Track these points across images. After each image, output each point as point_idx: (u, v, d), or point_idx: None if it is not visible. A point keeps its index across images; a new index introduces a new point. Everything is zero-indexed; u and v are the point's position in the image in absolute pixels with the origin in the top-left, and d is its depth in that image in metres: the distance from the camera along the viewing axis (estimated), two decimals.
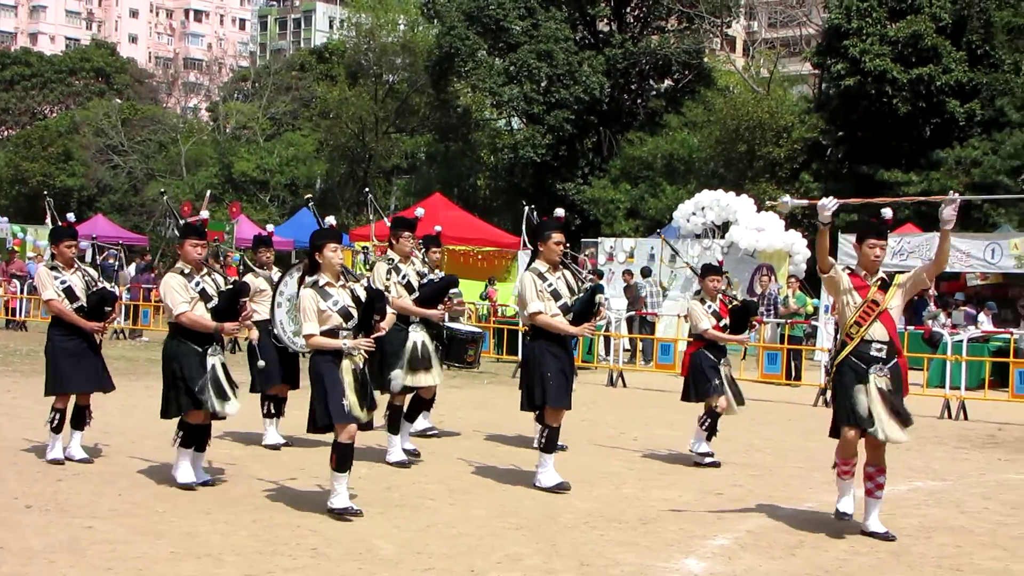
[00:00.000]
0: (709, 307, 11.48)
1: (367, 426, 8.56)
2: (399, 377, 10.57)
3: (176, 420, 9.37)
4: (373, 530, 8.00)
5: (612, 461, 11.35)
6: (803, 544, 8.05)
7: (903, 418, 8.10)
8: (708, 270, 11.76)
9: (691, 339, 11.75)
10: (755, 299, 23.81)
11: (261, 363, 10.22)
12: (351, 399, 8.25)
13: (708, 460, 11.22)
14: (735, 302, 11.76)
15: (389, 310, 9.61)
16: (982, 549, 8.11)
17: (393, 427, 10.76)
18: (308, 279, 8.58)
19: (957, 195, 8.21)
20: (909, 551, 7.93)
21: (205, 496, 8.98)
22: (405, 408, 10.96)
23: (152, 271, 29.49)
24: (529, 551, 7.58)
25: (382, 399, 10.67)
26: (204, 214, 10.70)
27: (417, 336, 10.72)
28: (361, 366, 8.42)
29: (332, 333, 8.37)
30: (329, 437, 8.48)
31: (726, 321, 11.47)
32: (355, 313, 8.45)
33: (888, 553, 7.84)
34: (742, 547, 7.90)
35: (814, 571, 7.33)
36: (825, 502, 9.43)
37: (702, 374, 11.28)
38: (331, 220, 9.63)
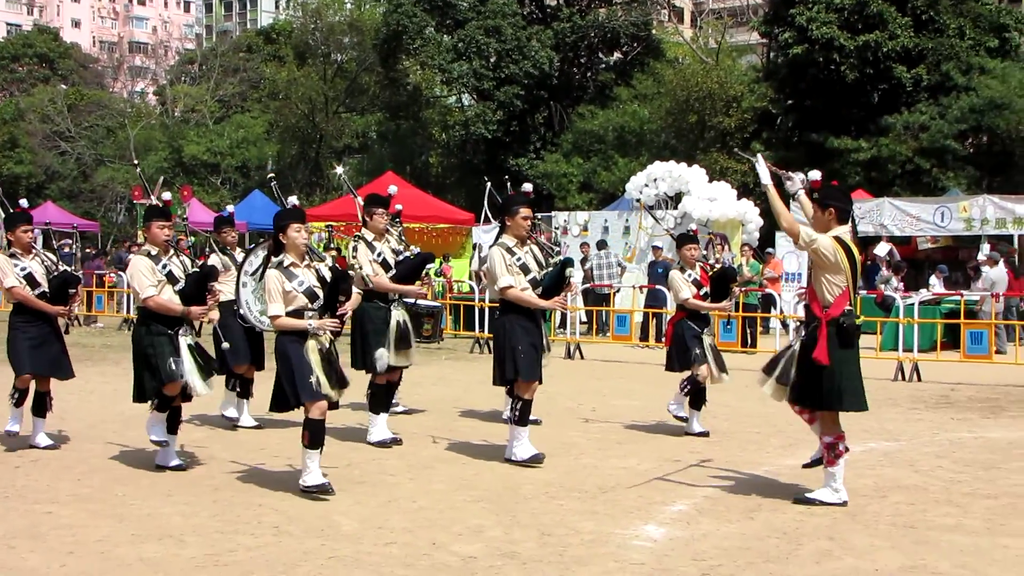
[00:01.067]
0: (689, 275, 11.45)
1: (334, 405, 8.50)
2: (384, 356, 10.45)
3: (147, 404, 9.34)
4: (335, 507, 8.02)
5: (570, 432, 11.43)
6: (760, 507, 8.15)
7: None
8: (684, 239, 11.70)
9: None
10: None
11: (226, 345, 10.16)
12: (323, 380, 8.21)
13: (697, 430, 11.23)
14: (714, 269, 11.72)
15: (355, 290, 9.58)
16: (935, 506, 8.24)
17: (376, 407, 10.67)
18: (273, 259, 8.53)
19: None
20: (864, 510, 8.05)
21: (165, 479, 8.96)
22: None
23: (104, 257, 29.24)
24: (490, 523, 7.63)
25: (360, 379, 10.70)
26: (166, 195, 10.62)
27: (399, 315, 10.62)
28: (327, 346, 8.39)
29: (297, 314, 8.33)
30: (292, 417, 8.50)
31: (707, 289, 11.45)
32: (320, 293, 8.42)
33: (843, 514, 7.96)
34: (700, 512, 8.00)
35: (771, 533, 7.43)
36: (782, 466, 9.57)
37: (684, 344, 11.27)
38: (294, 200, 9.59)
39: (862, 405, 8.25)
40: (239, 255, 11.64)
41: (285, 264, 8.40)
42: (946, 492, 8.73)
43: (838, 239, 8.16)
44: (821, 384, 8.10)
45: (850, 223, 8.41)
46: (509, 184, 11.20)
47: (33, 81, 68.31)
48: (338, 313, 8.51)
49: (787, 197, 8.88)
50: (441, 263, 27.29)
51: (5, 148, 57.31)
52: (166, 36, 75.95)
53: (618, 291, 23.05)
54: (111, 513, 7.80)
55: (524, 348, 9.50)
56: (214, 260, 11.55)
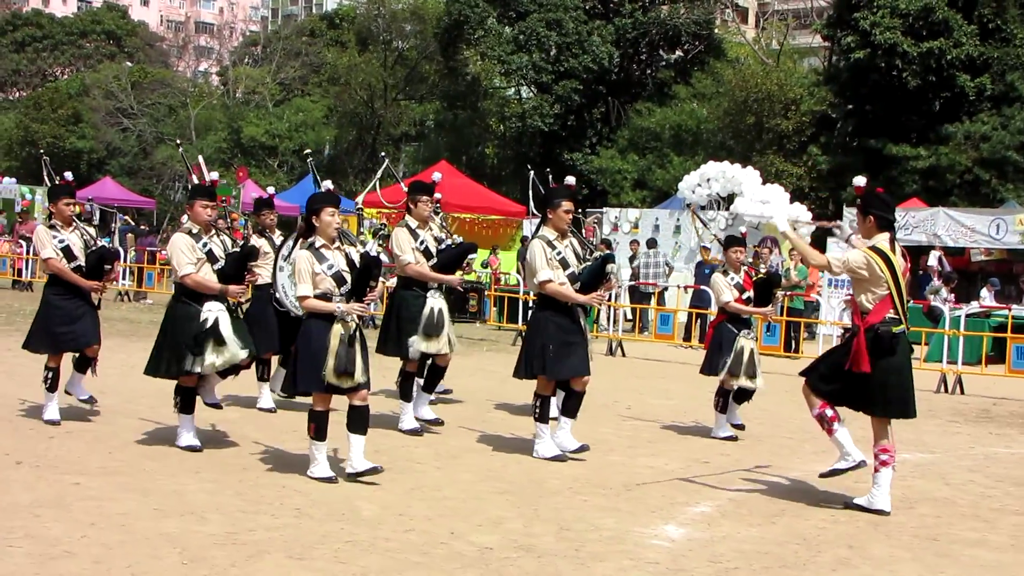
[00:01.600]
0: (732, 279, 11.35)
1: (365, 385, 8.40)
2: (415, 343, 10.47)
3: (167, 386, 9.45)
4: (358, 492, 8.08)
5: (602, 428, 11.42)
6: (784, 512, 8.12)
7: None
8: (731, 241, 11.63)
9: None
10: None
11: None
12: (329, 366, 8.15)
13: (726, 434, 11.16)
14: (759, 274, 11.64)
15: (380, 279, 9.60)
16: (961, 520, 8.17)
17: (405, 395, 10.68)
18: (304, 241, 8.57)
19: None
20: (888, 521, 7.98)
21: (194, 456, 9.05)
22: (421, 377, 10.91)
23: (158, 234, 29.56)
24: (511, 515, 7.65)
25: (392, 365, 10.74)
26: (214, 175, 10.70)
27: (435, 303, 10.57)
28: (352, 331, 8.34)
29: (325, 297, 8.35)
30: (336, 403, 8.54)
31: (750, 293, 11.37)
32: (348, 278, 8.42)
33: (867, 523, 7.90)
34: (723, 514, 7.97)
35: (792, 539, 7.39)
36: (812, 472, 9.49)
37: (719, 348, 11.21)
38: (328, 184, 9.62)
39: (901, 413, 8.24)
40: (278, 238, 11.68)
41: (316, 246, 8.42)
42: (974, 506, 8.64)
43: (873, 248, 8.11)
44: (855, 388, 8.10)
45: (891, 231, 8.36)
46: (551, 177, 11.13)
47: (99, 58, 69.24)
48: (366, 299, 8.48)
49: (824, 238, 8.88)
50: (489, 254, 27.35)
51: (69, 123, 58.07)
52: (232, 17, 76.51)
53: (664, 290, 23.00)
54: (137, 487, 7.89)
55: (554, 346, 9.46)
56: (253, 241, 11.59)
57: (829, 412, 8.30)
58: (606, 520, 7.62)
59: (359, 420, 8.39)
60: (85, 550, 6.37)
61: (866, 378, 8.06)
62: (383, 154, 14.08)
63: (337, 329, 8.26)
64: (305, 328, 8.41)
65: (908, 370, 8.28)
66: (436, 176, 11.97)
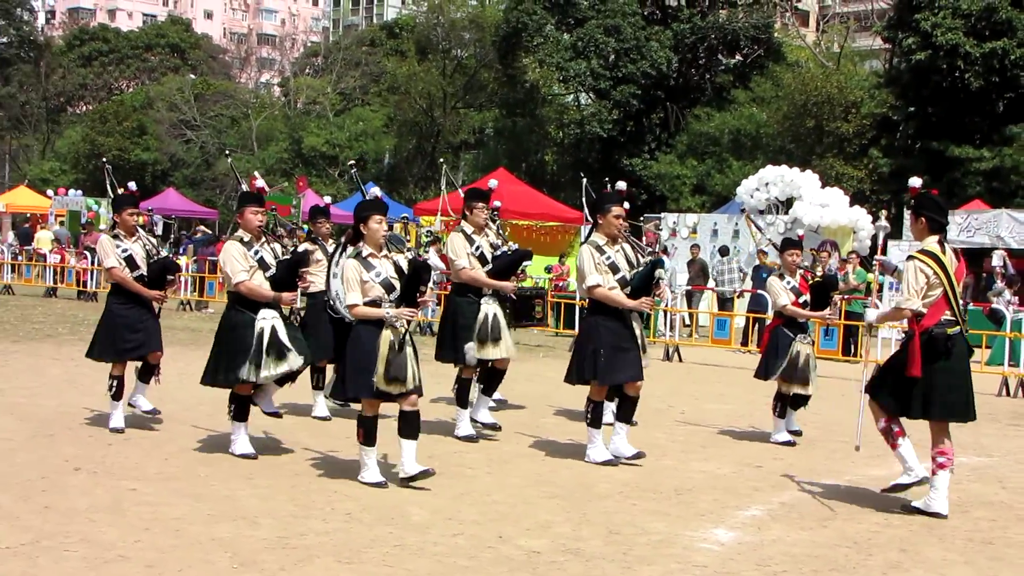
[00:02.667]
0: (788, 283, 11.28)
1: (417, 391, 8.41)
2: (472, 349, 10.49)
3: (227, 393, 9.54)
4: (408, 496, 8.13)
5: (656, 433, 11.40)
6: (836, 516, 8.07)
7: None
8: (788, 244, 11.60)
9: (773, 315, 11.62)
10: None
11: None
12: (379, 373, 8.19)
13: (781, 439, 11.08)
14: (816, 278, 11.55)
15: (431, 282, 9.65)
16: (1017, 524, 8.07)
17: (462, 401, 10.70)
18: (351, 249, 8.64)
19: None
20: (942, 525, 7.91)
21: (247, 462, 9.16)
22: (480, 382, 10.92)
23: (219, 243, 29.86)
24: (560, 519, 7.67)
25: (449, 372, 10.79)
26: (260, 182, 10.81)
27: (489, 308, 10.60)
28: (403, 337, 8.36)
29: (374, 304, 8.39)
30: (384, 408, 8.61)
31: (806, 297, 11.29)
32: (397, 284, 8.45)
33: (920, 526, 7.84)
34: (773, 518, 7.94)
35: (842, 542, 7.35)
36: (866, 476, 9.44)
37: (775, 352, 11.15)
38: (375, 190, 9.66)
39: (959, 415, 8.17)
40: (331, 246, 11.76)
41: (364, 255, 8.46)
42: None
43: (923, 251, 8.07)
44: (912, 393, 8.06)
45: (942, 233, 8.30)
46: (609, 184, 11.12)
47: (164, 70, 70.21)
48: (418, 302, 8.52)
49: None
50: (557, 261, 27.33)
51: (134, 135, 58.93)
52: (293, 29, 77.30)
53: (741, 295, 22.91)
54: (191, 492, 8.00)
55: (605, 351, 9.45)
56: (304, 248, 11.70)
57: (895, 427, 8.22)
58: (655, 524, 7.62)
59: (410, 425, 8.41)
60: (139, 554, 6.47)
61: (922, 381, 8.01)
62: (441, 161, 14.15)
63: (387, 335, 8.28)
64: (354, 334, 8.46)
65: (966, 372, 8.20)
66: (492, 183, 11.99)
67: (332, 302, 11.20)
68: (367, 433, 8.45)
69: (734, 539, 7.35)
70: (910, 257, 8.21)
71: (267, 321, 9.31)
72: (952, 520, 8.06)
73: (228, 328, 9.39)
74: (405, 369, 8.25)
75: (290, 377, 9.52)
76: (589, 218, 12.24)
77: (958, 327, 8.13)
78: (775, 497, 8.63)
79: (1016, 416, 13.81)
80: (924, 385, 8.02)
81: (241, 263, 9.32)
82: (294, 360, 9.32)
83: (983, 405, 14.20)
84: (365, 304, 8.38)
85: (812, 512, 8.17)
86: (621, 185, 10.67)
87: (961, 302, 8.27)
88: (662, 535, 7.35)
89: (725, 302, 22.82)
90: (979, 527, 7.92)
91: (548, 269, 26.79)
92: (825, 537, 7.48)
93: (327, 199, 14.23)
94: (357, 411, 11.02)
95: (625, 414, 9.91)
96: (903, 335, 8.77)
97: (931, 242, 8.16)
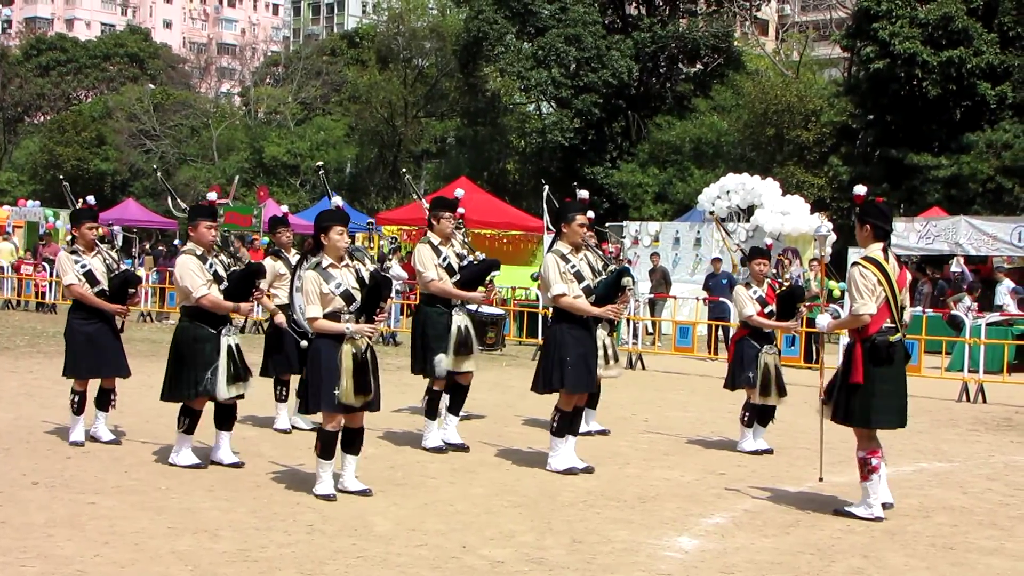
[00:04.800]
0: (755, 292, 11.18)
1: (372, 406, 8.38)
2: (443, 361, 10.37)
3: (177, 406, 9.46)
4: (371, 507, 8.08)
5: (619, 442, 11.40)
6: (799, 523, 8.08)
7: None
8: (755, 253, 11.46)
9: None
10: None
11: (304, 343, 9.88)
12: (344, 386, 8.11)
13: (749, 448, 11.04)
14: (783, 287, 11.51)
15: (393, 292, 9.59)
16: (979, 528, 8.11)
17: (431, 412, 10.58)
18: (311, 260, 8.48)
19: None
20: (905, 530, 7.95)
21: (208, 475, 9.08)
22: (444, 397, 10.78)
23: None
24: (523, 528, 7.64)
25: (412, 382, 10.71)
26: (212, 195, 10.71)
27: (460, 320, 10.50)
28: (363, 350, 8.25)
29: (334, 316, 8.28)
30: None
31: (772, 307, 11.20)
32: (358, 296, 8.35)
33: (882, 532, 7.87)
34: (737, 526, 7.94)
35: (806, 549, 7.36)
36: (828, 483, 9.45)
37: (741, 363, 11.12)
38: (337, 200, 9.57)
39: (894, 422, 8.26)
40: (294, 257, 11.64)
41: (323, 265, 8.35)
42: (992, 515, 8.58)
43: (866, 259, 8.14)
44: (852, 400, 8.12)
45: (886, 240, 8.37)
46: (578, 191, 11.04)
47: (123, 80, 69.76)
48: (377, 319, 8.44)
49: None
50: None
51: (92, 145, 58.53)
52: (253, 38, 77.07)
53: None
54: (151, 506, 7.92)
55: (573, 359, 9.44)
56: (267, 262, 11.60)
57: (875, 461, 8.20)
58: (619, 532, 7.61)
59: (356, 440, 8.48)
60: (97, 569, 6.40)
61: (864, 389, 8.08)
62: (404, 171, 14.08)
63: (348, 349, 8.20)
64: (314, 348, 8.37)
65: (903, 379, 8.30)
66: (459, 192, 11.87)
67: (295, 315, 11.12)
68: (325, 447, 8.31)
69: (698, 547, 7.35)
70: (854, 264, 8.28)
71: (231, 339, 9.27)
72: (914, 525, 8.10)
73: (188, 342, 9.28)
74: (369, 383, 8.22)
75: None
76: (551, 227, 12.17)
77: (899, 334, 8.21)
78: (738, 504, 8.64)
79: (977, 421, 13.90)
80: (865, 392, 8.09)
81: (200, 276, 9.24)
82: (245, 388, 9.34)
83: (944, 411, 14.44)
84: (325, 316, 8.28)
85: (775, 519, 8.18)
86: (583, 194, 10.59)
87: (902, 308, 8.33)
88: (626, 543, 7.34)
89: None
90: (941, 532, 7.95)
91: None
92: (788, 544, 7.49)
93: (284, 208, 14.10)
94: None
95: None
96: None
97: (875, 249, 8.23)
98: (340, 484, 8.43)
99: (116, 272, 10.37)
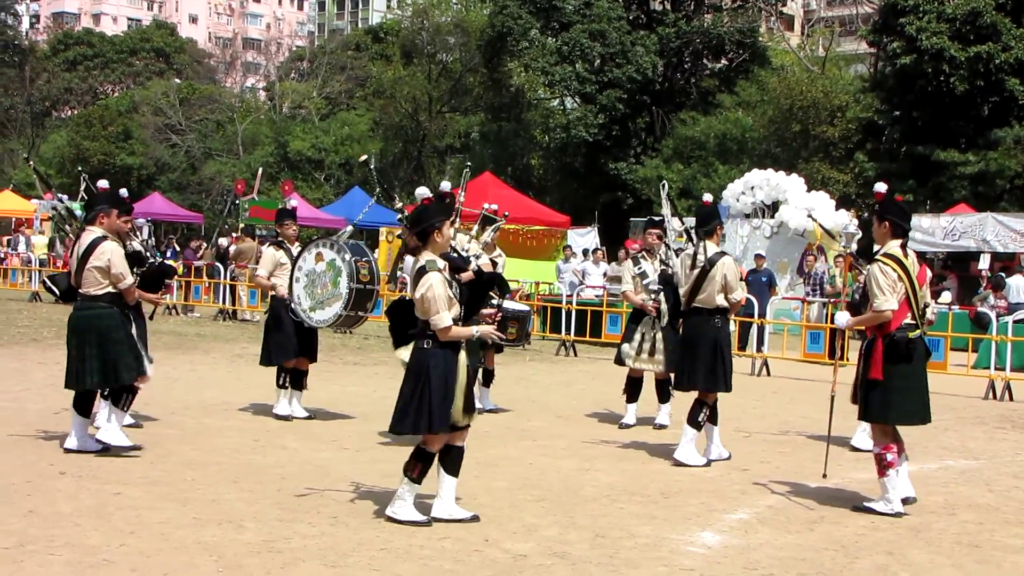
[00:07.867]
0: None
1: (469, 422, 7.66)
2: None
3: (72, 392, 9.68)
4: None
5: (643, 437, 11.38)
6: (823, 519, 8.06)
7: None
8: (648, 225, 12.30)
9: None
10: (802, 278, 23.68)
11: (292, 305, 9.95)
12: (457, 404, 7.32)
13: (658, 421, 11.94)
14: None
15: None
16: (1004, 527, 8.07)
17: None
18: (425, 260, 7.30)
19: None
20: (930, 527, 7.92)
21: (233, 465, 9.12)
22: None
23: (200, 249, 29.79)
24: (546, 522, 7.65)
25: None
26: (124, 192, 11.16)
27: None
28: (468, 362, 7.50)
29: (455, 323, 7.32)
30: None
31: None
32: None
33: (907, 529, 7.84)
34: (761, 521, 7.93)
35: (829, 545, 7.34)
36: (852, 479, 9.44)
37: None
38: (446, 184, 9.27)
39: (914, 419, 8.26)
40: (296, 249, 11.65)
41: (441, 267, 7.31)
42: (1018, 513, 8.53)
43: (886, 255, 8.11)
44: (871, 396, 8.15)
45: (904, 237, 8.35)
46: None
47: (149, 75, 70.06)
48: (491, 318, 8.07)
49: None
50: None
51: (119, 139, 58.74)
52: (278, 33, 77.21)
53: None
54: (177, 496, 7.96)
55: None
56: (270, 251, 11.76)
57: (890, 456, 8.20)
58: (642, 527, 7.60)
59: (459, 460, 7.68)
60: (123, 558, 6.44)
61: (883, 385, 8.09)
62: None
63: (463, 359, 7.40)
64: (422, 362, 7.30)
65: (924, 375, 8.33)
66: (444, 185, 11.12)
67: (292, 305, 11.16)
68: (425, 469, 7.46)
69: (721, 542, 7.34)
70: (873, 261, 8.24)
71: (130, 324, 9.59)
72: (939, 523, 8.06)
73: (120, 327, 9.41)
74: (473, 398, 7.60)
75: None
76: (680, 231, 11.95)
77: (918, 331, 8.19)
78: (762, 500, 8.63)
79: (1003, 419, 13.82)
80: (884, 389, 8.10)
81: (127, 265, 9.45)
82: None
83: (970, 408, 14.35)
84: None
85: (799, 515, 8.16)
86: (445, 185, 10.34)
87: (925, 306, 8.33)
88: (649, 538, 7.34)
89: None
90: (967, 530, 7.92)
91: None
92: (812, 540, 7.47)
93: (293, 202, 14.15)
94: (334, 412, 11.09)
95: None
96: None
97: (894, 246, 8.22)
98: (442, 511, 7.57)
99: (153, 263, 10.45)
